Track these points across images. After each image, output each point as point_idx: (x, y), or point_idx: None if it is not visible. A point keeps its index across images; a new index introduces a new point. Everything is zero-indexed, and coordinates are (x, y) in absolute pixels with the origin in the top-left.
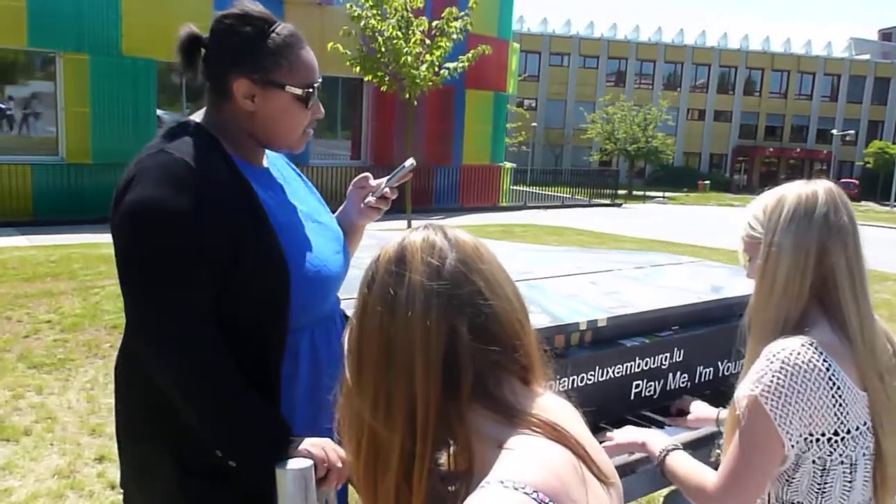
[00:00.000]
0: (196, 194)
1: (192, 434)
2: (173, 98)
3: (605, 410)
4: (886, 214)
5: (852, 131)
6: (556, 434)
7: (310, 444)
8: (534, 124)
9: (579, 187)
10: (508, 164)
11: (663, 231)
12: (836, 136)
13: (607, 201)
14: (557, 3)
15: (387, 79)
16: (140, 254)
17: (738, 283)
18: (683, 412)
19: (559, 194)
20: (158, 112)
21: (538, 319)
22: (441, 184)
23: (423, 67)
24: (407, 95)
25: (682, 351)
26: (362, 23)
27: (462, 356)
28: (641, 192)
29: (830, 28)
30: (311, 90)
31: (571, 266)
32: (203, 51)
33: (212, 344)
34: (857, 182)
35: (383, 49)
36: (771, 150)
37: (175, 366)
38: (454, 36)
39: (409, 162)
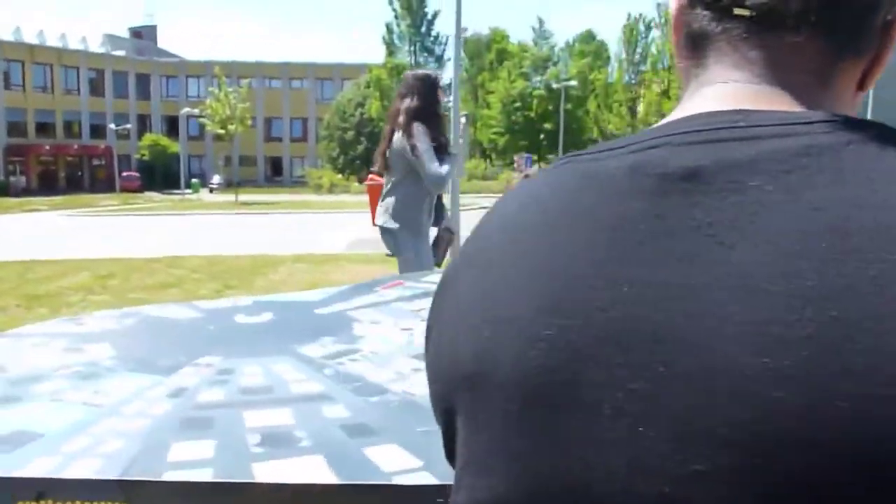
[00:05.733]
0: None
1: None
2: None
3: None
4: (173, 202)
5: (128, 126)
6: None
7: None
8: None
9: None
10: None
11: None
12: (112, 131)
13: None
14: None
15: None
16: None
17: None
18: None
19: None
20: None
21: None
22: None
23: None
24: None
25: None
26: None
27: None
28: None
29: (83, 23)
30: None
31: None
32: None
33: None
34: (138, 174)
35: None
36: (47, 147)
37: None
38: None
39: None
